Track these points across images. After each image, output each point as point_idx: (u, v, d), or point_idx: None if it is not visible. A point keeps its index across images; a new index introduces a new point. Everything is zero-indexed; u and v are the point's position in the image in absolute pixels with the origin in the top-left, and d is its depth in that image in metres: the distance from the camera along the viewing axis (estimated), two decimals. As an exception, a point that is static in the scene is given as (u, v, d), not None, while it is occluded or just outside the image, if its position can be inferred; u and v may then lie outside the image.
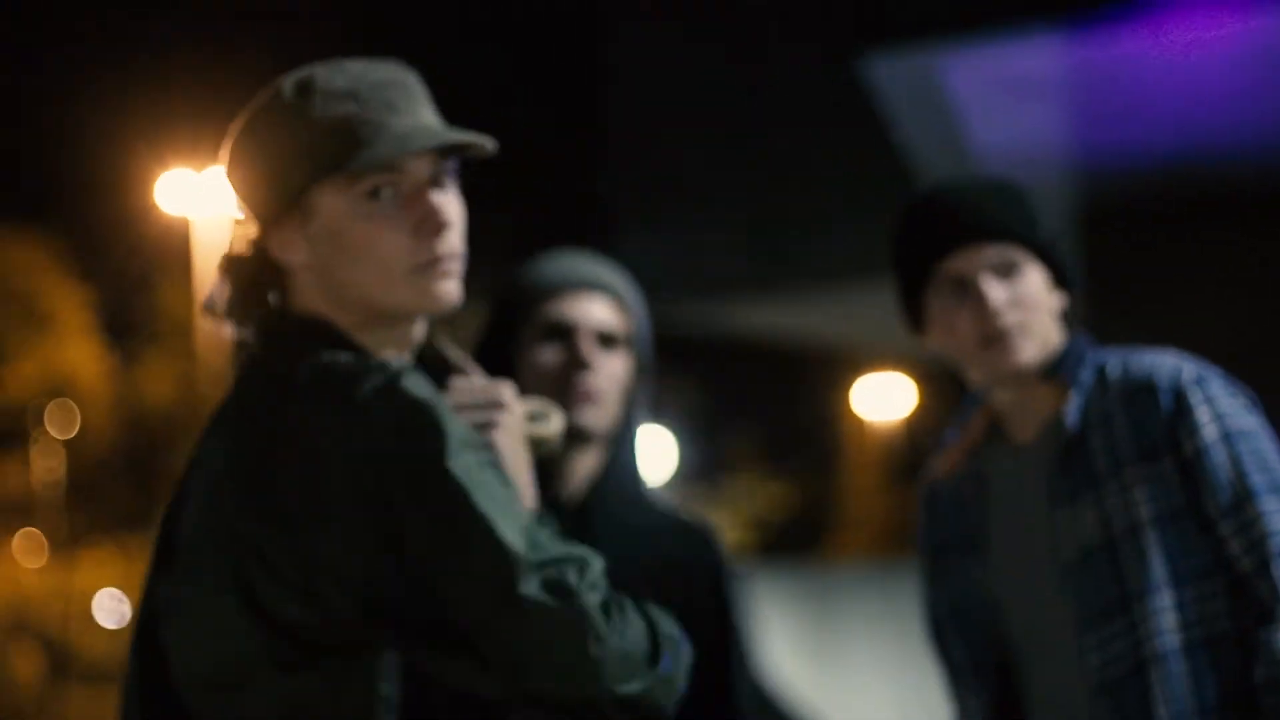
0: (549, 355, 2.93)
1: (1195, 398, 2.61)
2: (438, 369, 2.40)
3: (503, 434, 2.37)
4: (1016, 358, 2.65)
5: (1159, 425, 2.62)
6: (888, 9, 7.23)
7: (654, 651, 2.08)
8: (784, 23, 15.55)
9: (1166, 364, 2.66)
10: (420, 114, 2.19)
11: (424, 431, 2.05)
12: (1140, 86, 7.34)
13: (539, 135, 24.01)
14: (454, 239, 2.17)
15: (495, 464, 2.11)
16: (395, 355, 2.21)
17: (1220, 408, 2.61)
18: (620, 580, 2.84)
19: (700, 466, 26.08)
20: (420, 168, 2.16)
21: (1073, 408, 2.66)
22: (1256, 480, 2.59)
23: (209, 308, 2.19)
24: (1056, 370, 2.68)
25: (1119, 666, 2.64)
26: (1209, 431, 2.59)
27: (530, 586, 2.02)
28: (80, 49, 20.90)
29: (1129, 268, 8.81)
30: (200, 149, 16.21)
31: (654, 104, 17.14)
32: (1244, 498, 2.59)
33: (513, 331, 2.99)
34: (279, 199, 2.16)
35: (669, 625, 2.15)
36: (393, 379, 2.07)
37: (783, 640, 21.76)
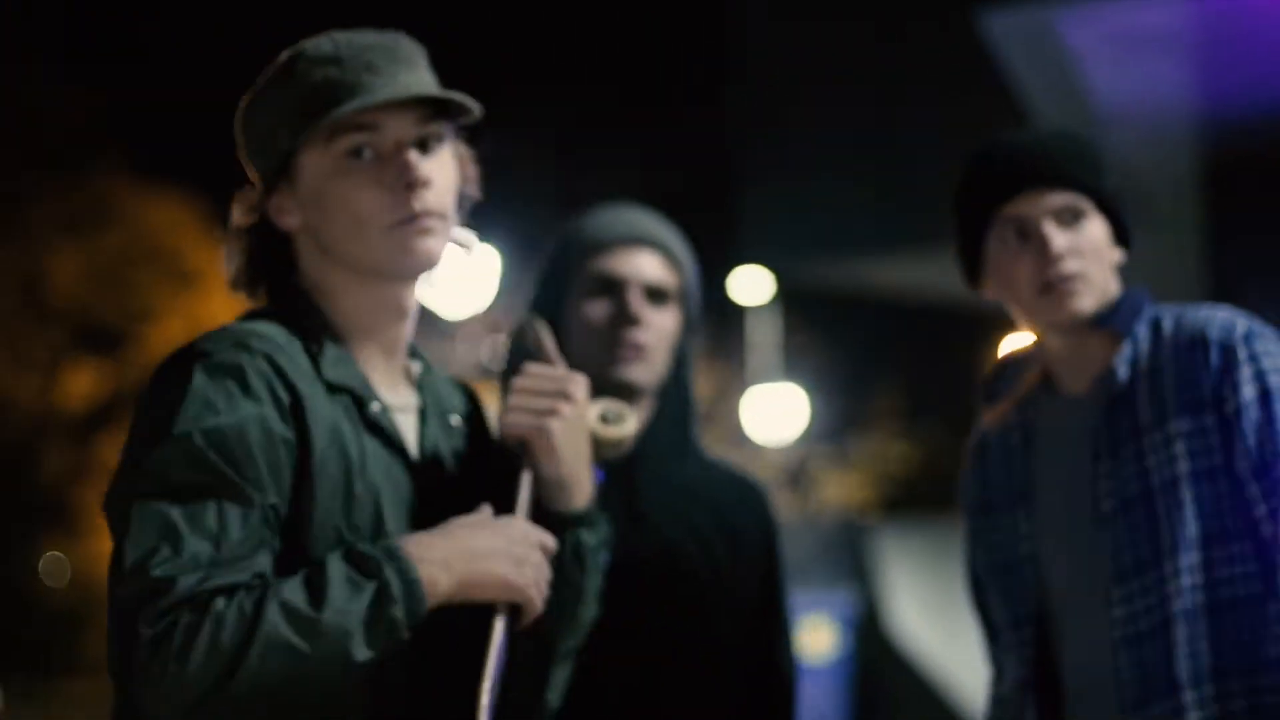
0: (598, 309, 2.96)
1: (1242, 354, 2.59)
2: (525, 352, 2.45)
3: (560, 425, 2.33)
4: (1074, 305, 2.66)
5: (1205, 380, 2.61)
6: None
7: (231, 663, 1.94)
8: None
9: (1219, 318, 2.66)
10: (402, 75, 2.19)
11: (141, 412, 2.11)
12: (1267, 36, 7.25)
13: (671, 97, 24.05)
14: (431, 197, 2.18)
15: (197, 460, 2.02)
16: (392, 318, 2.24)
17: (1263, 364, 2.59)
18: (664, 533, 2.89)
19: (835, 425, 25.94)
20: (400, 127, 2.17)
21: (1123, 359, 2.67)
22: None
23: (230, 280, 2.25)
24: (1110, 321, 2.69)
25: (1145, 621, 2.62)
26: (1249, 390, 2.58)
27: (122, 592, 2.00)
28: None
29: (1257, 221, 8.71)
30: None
31: (781, 65, 17.11)
32: (1273, 459, 2.56)
33: (563, 285, 3.01)
34: (270, 164, 2.20)
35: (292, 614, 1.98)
36: (172, 357, 2.11)
37: (910, 597, 21.72)
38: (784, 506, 19.91)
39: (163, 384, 2.09)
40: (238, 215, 2.23)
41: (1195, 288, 8.91)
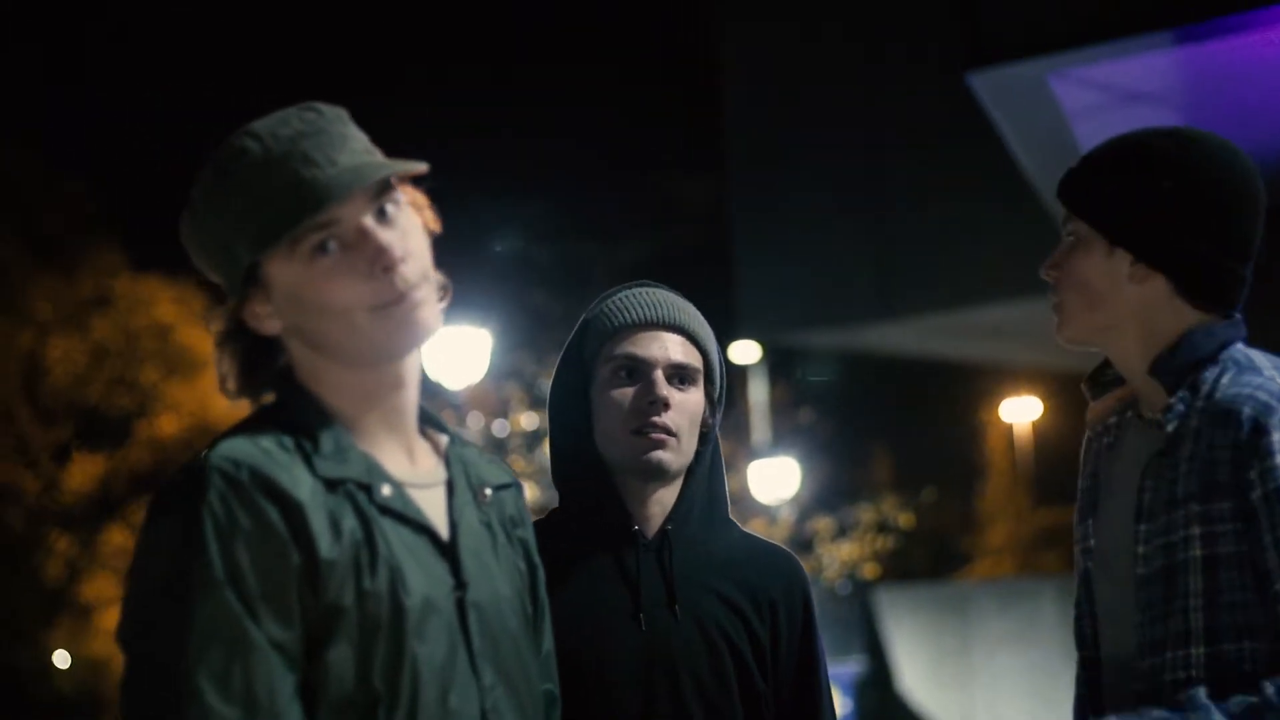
0: (623, 392, 2.95)
1: (1265, 440, 2.44)
2: None
3: None
4: (1057, 330, 2.69)
5: (1226, 462, 2.47)
6: (998, 27, 7.28)
7: None
8: (898, 46, 15.59)
9: (1255, 392, 2.50)
10: (340, 157, 2.14)
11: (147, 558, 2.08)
12: (1251, 92, 7.34)
13: (669, 170, 24.19)
14: (412, 270, 2.14)
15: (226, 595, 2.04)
16: (391, 390, 2.21)
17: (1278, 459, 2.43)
18: (702, 611, 2.93)
19: (832, 493, 25.96)
20: (356, 210, 2.12)
21: (1173, 415, 2.56)
22: None
23: (221, 386, 2.21)
24: (1157, 369, 2.60)
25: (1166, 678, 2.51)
26: (1264, 483, 2.43)
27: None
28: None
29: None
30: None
31: (774, 131, 17.20)
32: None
33: (588, 367, 3.01)
34: (235, 278, 2.16)
35: None
36: (165, 496, 2.09)
37: (912, 659, 21.67)
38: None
39: (160, 533, 2.07)
40: (217, 328, 2.20)
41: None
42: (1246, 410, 2.45)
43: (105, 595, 20.34)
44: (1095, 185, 2.61)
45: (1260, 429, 2.43)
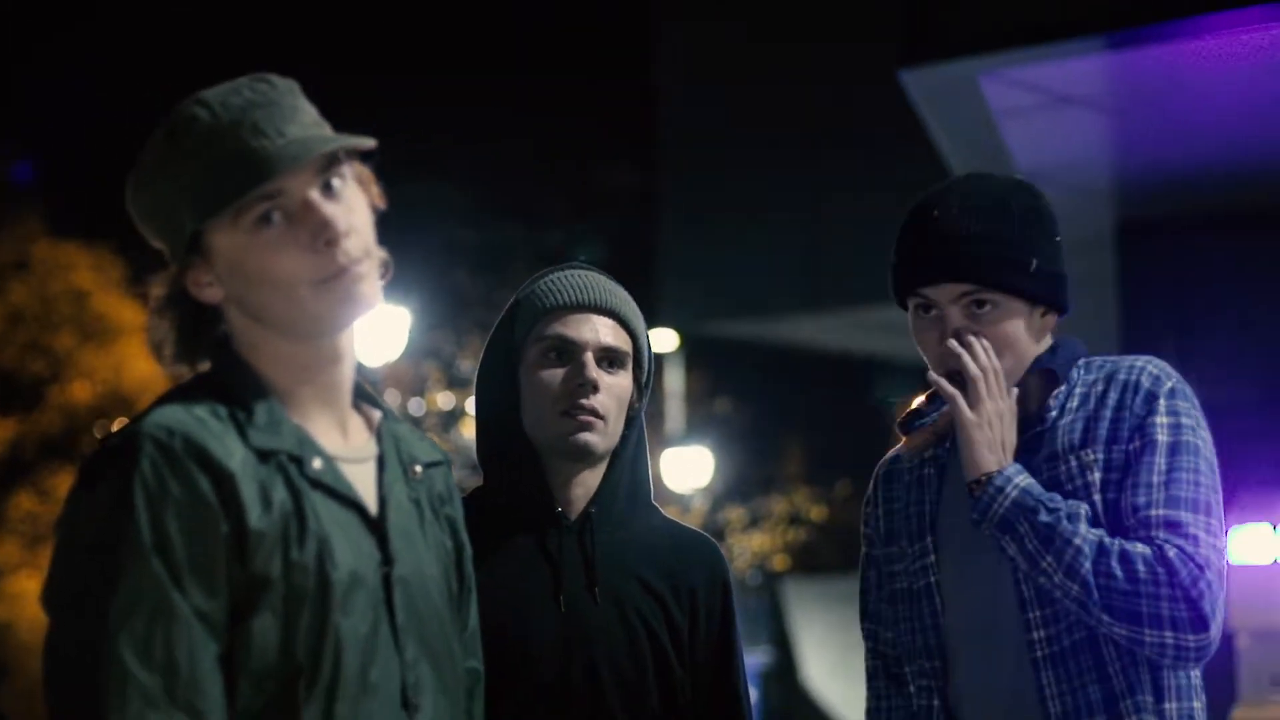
0: (552, 374, 2.96)
1: (1163, 404, 2.75)
2: None
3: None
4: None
5: (1128, 419, 2.76)
6: (932, 25, 7.31)
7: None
8: (830, 42, 15.65)
9: (1151, 369, 2.81)
10: (290, 129, 2.14)
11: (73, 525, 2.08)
12: (1182, 96, 7.40)
13: (596, 158, 24.15)
14: (355, 244, 2.15)
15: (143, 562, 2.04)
16: (328, 364, 2.21)
17: (1182, 420, 2.75)
18: (621, 594, 2.93)
19: (745, 483, 26.05)
20: (302, 183, 2.12)
21: (1056, 401, 2.82)
22: (1179, 492, 2.68)
23: (156, 352, 2.21)
24: (1047, 364, 2.85)
25: (1068, 639, 2.72)
26: (1161, 436, 2.73)
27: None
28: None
29: (1166, 280, 8.87)
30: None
31: (705, 124, 17.22)
32: (1157, 502, 2.69)
33: (517, 348, 3.01)
34: (178, 243, 2.15)
35: None
36: (95, 463, 2.08)
37: (819, 651, 21.78)
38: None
39: (91, 498, 2.07)
40: (156, 294, 2.20)
41: (1110, 343, 9.07)
42: (1146, 380, 2.78)
43: (12, 560, 20.14)
44: (994, 256, 2.79)
45: (1155, 394, 2.75)
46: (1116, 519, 2.70)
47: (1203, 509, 2.68)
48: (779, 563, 25.76)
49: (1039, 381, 2.84)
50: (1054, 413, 2.80)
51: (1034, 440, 2.80)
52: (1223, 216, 8.56)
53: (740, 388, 26.35)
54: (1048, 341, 2.88)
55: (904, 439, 2.95)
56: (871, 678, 3.01)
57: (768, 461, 27.30)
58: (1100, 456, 2.73)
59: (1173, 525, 2.65)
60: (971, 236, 2.79)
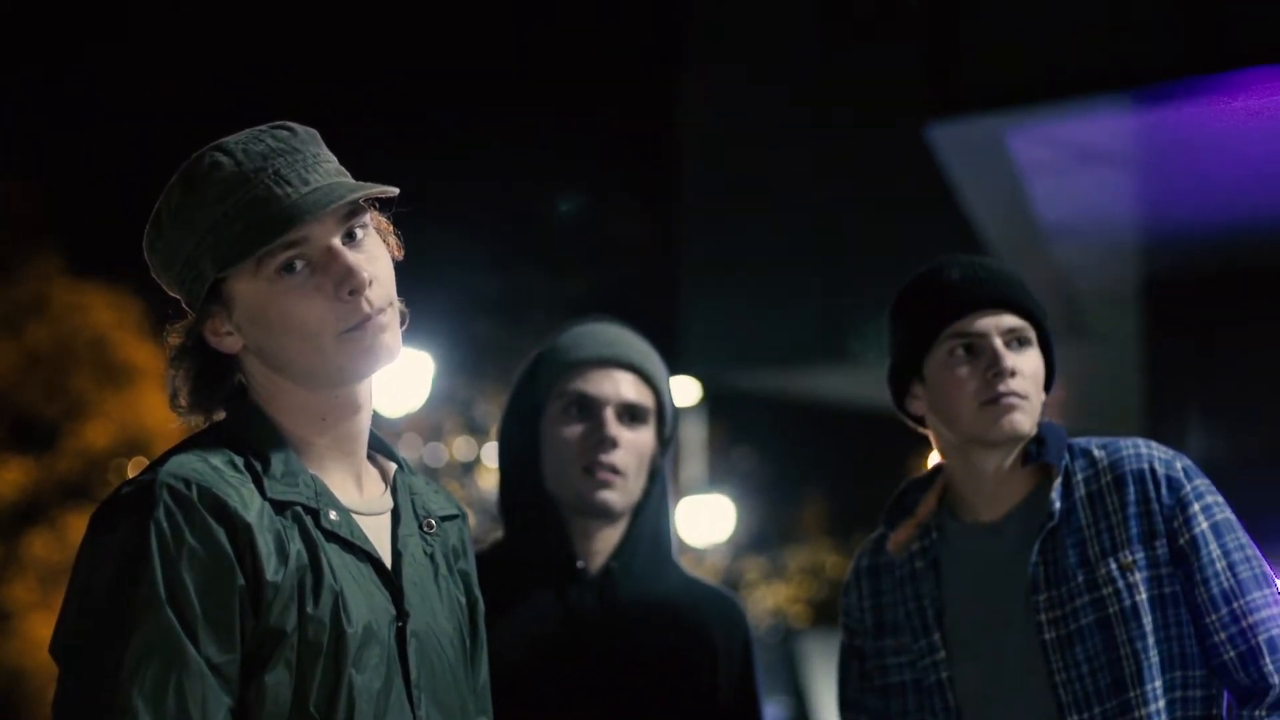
0: (573, 429, 2.94)
1: (1188, 490, 2.72)
2: None
3: None
4: (1015, 420, 2.74)
5: (1158, 512, 2.71)
6: (959, 81, 7.30)
7: None
8: (855, 95, 15.65)
9: (1155, 454, 2.76)
10: (312, 177, 2.11)
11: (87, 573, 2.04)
12: (1208, 153, 7.38)
13: (618, 208, 24.17)
14: (377, 294, 2.12)
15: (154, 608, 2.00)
16: (347, 415, 2.18)
17: (1208, 500, 2.72)
18: (644, 650, 2.88)
19: (764, 536, 25.99)
20: (325, 232, 2.10)
21: (1058, 492, 2.75)
22: (1243, 573, 2.69)
23: (171, 401, 2.18)
24: (1039, 454, 2.78)
25: (1095, 708, 2.67)
26: (1202, 524, 2.70)
27: None
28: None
29: (1193, 337, 8.82)
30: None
31: (729, 175, 17.23)
32: (1232, 590, 2.68)
33: (538, 403, 2.99)
34: (197, 293, 2.12)
35: None
36: (109, 509, 2.05)
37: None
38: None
39: (106, 547, 2.04)
40: (174, 343, 2.18)
41: (1133, 401, 9.01)
42: (1159, 466, 2.72)
43: (25, 601, 20.12)
44: (1028, 293, 2.79)
45: (1176, 480, 2.71)
46: (1166, 612, 2.69)
47: (1267, 582, 2.71)
48: (797, 615, 25.66)
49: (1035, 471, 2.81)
50: (1058, 504, 2.74)
51: (1050, 538, 2.74)
52: (1249, 273, 8.51)
53: (761, 438, 26.30)
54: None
55: (891, 537, 2.89)
56: None
57: (787, 513, 27.22)
58: (1140, 557, 2.69)
59: (1254, 610, 2.68)
60: (1016, 276, 2.80)
